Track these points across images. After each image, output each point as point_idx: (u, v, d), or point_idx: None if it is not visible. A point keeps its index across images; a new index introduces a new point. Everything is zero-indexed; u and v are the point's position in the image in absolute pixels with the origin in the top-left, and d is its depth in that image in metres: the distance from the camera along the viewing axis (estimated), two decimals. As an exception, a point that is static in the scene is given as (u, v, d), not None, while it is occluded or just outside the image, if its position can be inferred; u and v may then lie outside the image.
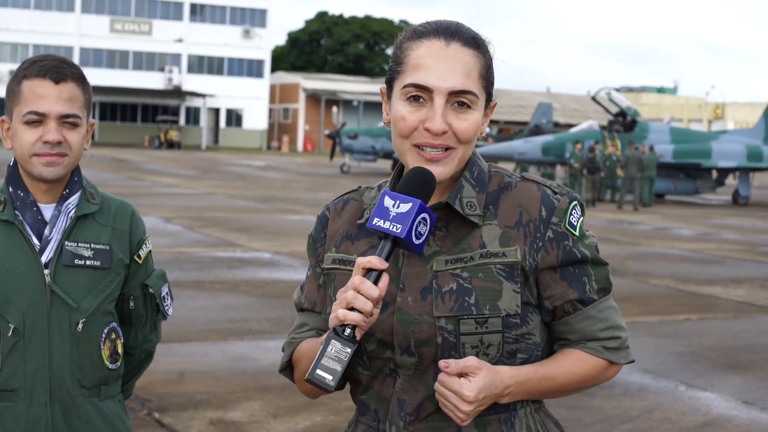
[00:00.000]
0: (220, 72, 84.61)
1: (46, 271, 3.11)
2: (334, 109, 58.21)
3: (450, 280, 2.33)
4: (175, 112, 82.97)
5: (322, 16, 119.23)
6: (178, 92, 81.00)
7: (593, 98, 40.89)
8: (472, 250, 2.36)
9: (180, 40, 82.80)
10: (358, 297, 2.18)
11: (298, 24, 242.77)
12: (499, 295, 2.33)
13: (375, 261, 2.21)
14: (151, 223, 20.60)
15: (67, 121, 3.09)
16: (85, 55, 79.88)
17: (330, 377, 2.16)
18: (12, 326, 3.09)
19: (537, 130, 47.02)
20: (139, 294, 3.35)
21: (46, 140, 3.05)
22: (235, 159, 60.57)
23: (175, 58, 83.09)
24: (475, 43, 2.38)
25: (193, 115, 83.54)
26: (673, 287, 15.04)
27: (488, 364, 2.30)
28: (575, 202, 2.44)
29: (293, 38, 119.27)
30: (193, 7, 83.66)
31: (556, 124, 58.94)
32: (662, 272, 16.58)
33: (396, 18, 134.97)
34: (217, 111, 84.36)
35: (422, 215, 2.21)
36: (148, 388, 8.18)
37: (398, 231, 2.19)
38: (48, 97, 3.06)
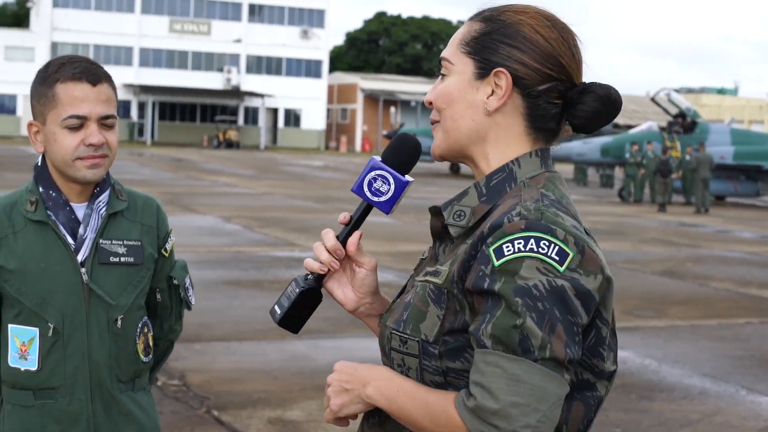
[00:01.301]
0: (278, 72, 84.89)
1: (82, 270, 3.12)
2: (392, 109, 58.36)
3: (412, 291, 2.19)
4: (234, 112, 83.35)
5: (380, 16, 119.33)
6: (236, 92, 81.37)
7: (652, 99, 40.57)
8: (442, 264, 2.16)
9: (238, 41, 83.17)
10: (318, 246, 2.30)
11: (356, 24, 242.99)
12: (423, 317, 2.10)
13: (342, 216, 2.30)
14: (210, 223, 20.72)
15: (105, 122, 3.10)
16: (145, 55, 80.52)
17: (279, 311, 2.31)
18: (51, 326, 3.11)
19: (596, 132, 46.75)
20: (164, 286, 3.39)
21: (90, 143, 3.05)
22: (293, 159, 60.75)
23: (234, 59, 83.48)
24: (477, 14, 2.24)
25: (251, 115, 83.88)
26: (733, 290, 14.88)
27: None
28: (536, 234, 1.98)
29: (351, 38, 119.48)
30: (252, 8, 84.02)
31: (616, 125, 58.50)
32: (722, 275, 16.42)
33: (454, 18, 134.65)
34: (275, 111, 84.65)
35: (377, 172, 2.22)
36: (207, 386, 8.24)
37: (354, 188, 2.25)
38: (87, 99, 3.05)
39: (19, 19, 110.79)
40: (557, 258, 1.96)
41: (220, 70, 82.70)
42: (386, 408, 2.13)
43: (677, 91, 45.19)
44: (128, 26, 79.99)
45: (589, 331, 2.04)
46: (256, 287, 13.15)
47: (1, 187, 27.23)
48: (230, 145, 75.78)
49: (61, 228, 3.12)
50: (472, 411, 1.94)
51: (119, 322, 3.18)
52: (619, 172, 44.56)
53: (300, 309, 2.30)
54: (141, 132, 78.44)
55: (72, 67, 3.07)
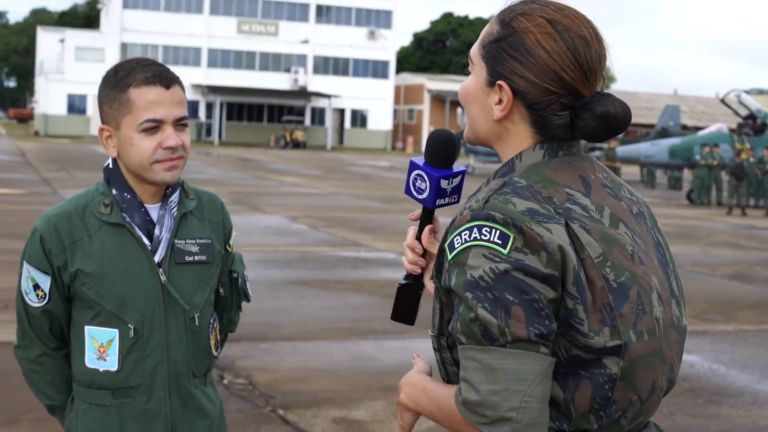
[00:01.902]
0: (345, 73, 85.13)
1: (160, 270, 3.15)
2: (459, 110, 58.25)
3: None
4: (301, 112, 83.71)
5: (447, 17, 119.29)
6: (303, 93, 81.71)
7: (722, 100, 40.15)
8: None
9: (306, 41, 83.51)
10: (404, 247, 2.47)
11: (423, 25, 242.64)
12: (434, 313, 2.24)
13: (411, 214, 2.46)
14: (276, 222, 20.83)
15: (180, 123, 3.12)
16: (213, 55, 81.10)
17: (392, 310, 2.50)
18: (132, 327, 3.14)
19: (664, 133, 46.31)
20: (226, 280, 3.42)
21: (168, 146, 3.07)
22: (360, 159, 60.87)
23: (301, 59, 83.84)
24: (499, 13, 2.26)
25: (318, 116, 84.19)
26: (804, 294, 14.69)
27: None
28: (478, 222, 2.07)
29: (418, 39, 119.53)
30: (319, 9, 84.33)
31: (684, 127, 58.00)
32: (793, 279, 16.21)
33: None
34: (342, 111, 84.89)
35: (416, 172, 2.37)
36: (273, 385, 8.28)
37: (405, 189, 2.41)
38: (162, 103, 3.06)
39: (89, 20, 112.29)
40: (499, 242, 2.04)
41: (288, 70, 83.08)
42: (414, 410, 2.28)
43: (747, 92, 44.66)
44: (197, 27, 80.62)
45: (557, 307, 2.08)
46: (322, 287, 13.19)
47: (72, 186, 27.58)
48: (297, 145, 76.12)
49: (137, 230, 3.15)
50: (463, 405, 2.04)
51: (196, 320, 3.23)
52: (687, 174, 44.11)
53: (404, 303, 2.46)
54: (209, 132, 79.02)
55: (143, 71, 3.07)
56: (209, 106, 78.92)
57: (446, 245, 2.11)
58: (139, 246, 3.14)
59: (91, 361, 3.16)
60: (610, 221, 2.17)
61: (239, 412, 7.49)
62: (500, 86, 2.20)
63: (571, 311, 2.07)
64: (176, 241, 3.19)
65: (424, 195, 2.36)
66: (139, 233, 3.14)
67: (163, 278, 3.15)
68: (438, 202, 2.36)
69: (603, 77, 2.24)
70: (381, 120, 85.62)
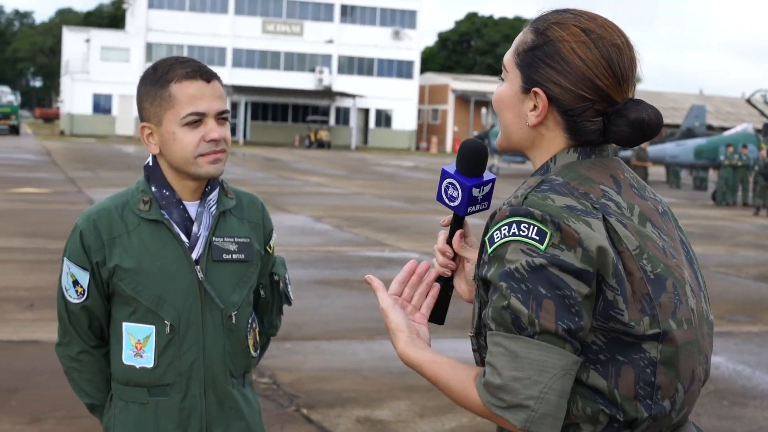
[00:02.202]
0: (369, 73, 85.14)
1: (197, 267, 3.17)
2: (484, 110, 58.18)
3: None
4: (326, 112, 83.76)
5: (471, 17, 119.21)
6: (328, 93, 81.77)
7: (748, 101, 39.98)
8: None
9: (330, 41, 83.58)
10: (436, 250, 2.55)
11: (447, 25, 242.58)
12: (472, 313, 2.32)
13: (443, 220, 2.53)
14: (300, 222, 20.85)
15: (222, 117, 3.15)
16: (238, 55, 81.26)
17: None
18: (168, 323, 3.15)
19: (689, 133, 46.16)
20: (267, 282, 3.44)
21: (211, 138, 3.10)
22: (384, 159, 60.88)
23: (326, 59, 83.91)
24: (534, 22, 2.32)
25: (342, 116, 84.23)
26: (830, 295, 14.61)
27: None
28: (517, 218, 2.13)
29: (443, 39, 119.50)
30: (344, 9, 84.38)
31: (710, 127, 57.83)
32: (819, 280, 16.12)
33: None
34: (366, 111, 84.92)
35: (447, 180, 2.43)
36: (297, 384, 8.30)
37: (437, 197, 2.48)
38: (204, 96, 3.09)
39: (115, 20, 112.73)
40: (537, 238, 2.10)
41: (312, 70, 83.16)
42: (411, 366, 2.37)
43: (773, 92, 44.32)
44: (222, 27, 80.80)
45: (596, 299, 2.13)
46: (346, 287, 13.21)
47: (97, 185, 27.70)
48: (321, 145, 76.17)
49: (175, 226, 3.18)
50: (484, 386, 2.11)
51: (233, 318, 3.23)
52: (713, 175, 43.95)
53: (435, 305, 2.54)
54: (233, 132, 79.18)
55: (183, 67, 3.12)
56: (234, 106, 79.04)
57: (486, 239, 2.18)
58: (177, 242, 3.16)
59: (128, 357, 3.19)
60: (639, 219, 2.23)
61: (263, 411, 7.47)
62: (536, 93, 2.26)
63: (611, 302, 2.12)
64: (214, 238, 3.21)
65: (456, 202, 2.42)
66: (177, 230, 3.17)
67: (200, 275, 3.17)
68: (469, 209, 2.42)
69: (634, 84, 2.29)
70: (405, 120, 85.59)
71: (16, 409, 7.34)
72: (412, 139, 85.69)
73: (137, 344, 3.17)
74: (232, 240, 3.24)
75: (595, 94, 2.22)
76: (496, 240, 2.14)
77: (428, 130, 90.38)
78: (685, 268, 2.27)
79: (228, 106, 3.19)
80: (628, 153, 39.89)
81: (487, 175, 2.42)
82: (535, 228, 2.10)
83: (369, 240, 18.50)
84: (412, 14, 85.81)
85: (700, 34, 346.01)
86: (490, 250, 2.15)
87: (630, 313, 2.12)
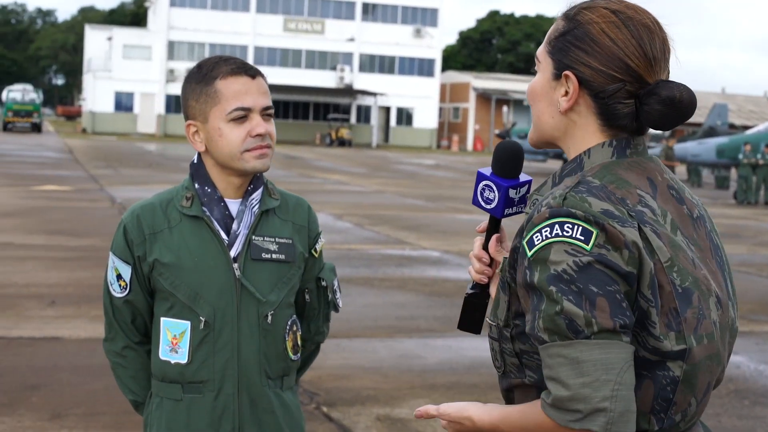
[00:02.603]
0: (391, 71, 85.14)
1: (235, 265, 3.19)
2: (505, 108, 58.16)
3: None
4: (347, 110, 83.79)
5: (493, 15, 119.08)
6: (349, 91, 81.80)
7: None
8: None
9: (352, 39, 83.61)
10: (472, 256, 2.48)
11: (469, 23, 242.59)
12: (498, 303, 2.26)
13: (479, 226, 2.49)
14: (321, 220, 20.78)
15: (266, 113, 3.18)
16: (259, 53, 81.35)
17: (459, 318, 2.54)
18: (203, 319, 3.18)
19: (711, 132, 45.97)
20: (313, 287, 3.43)
21: (257, 133, 3.14)
22: (405, 157, 60.86)
23: (347, 57, 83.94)
24: (565, 11, 2.31)
25: (364, 114, 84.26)
26: None
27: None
28: (559, 219, 2.07)
29: (464, 37, 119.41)
30: (365, 7, 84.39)
31: (732, 126, 57.52)
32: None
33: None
34: (387, 109, 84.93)
35: (484, 183, 2.41)
36: (317, 382, 8.29)
37: (473, 200, 2.46)
38: (250, 92, 3.14)
39: (137, 18, 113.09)
40: (582, 238, 2.05)
41: (334, 68, 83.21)
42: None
43: (797, 91, 44.12)
44: (243, 25, 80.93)
45: (632, 306, 2.08)
46: (366, 285, 13.21)
47: (118, 183, 27.78)
48: (342, 143, 76.20)
49: (215, 223, 3.21)
50: (553, 405, 2.02)
51: (269, 318, 3.24)
52: (735, 174, 43.76)
53: (471, 313, 2.50)
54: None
55: (227, 64, 3.16)
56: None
57: (524, 242, 2.11)
58: (215, 239, 3.20)
59: (164, 353, 3.23)
60: (671, 227, 2.19)
61: (283, 408, 7.50)
62: (566, 76, 2.24)
63: (645, 313, 2.09)
64: (254, 237, 3.23)
65: (493, 205, 2.40)
66: (217, 227, 3.21)
67: (237, 273, 3.19)
68: (506, 211, 2.40)
69: (668, 69, 2.26)
70: (426, 118, 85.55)
71: (37, 406, 7.37)
72: (433, 138, 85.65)
73: (173, 339, 3.21)
74: (273, 240, 3.26)
75: (627, 75, 2.18)
76: (536, 243, 2.08)
77: (449, 128, 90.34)
78: (713, 278, 2.22)
79: (271, 102, 3.22)
80: (656, 151, 39.47)
81: (523, 177, 2.41)
82: (580, 228, 2.06)
83: (390, 238, 18.49)
84: (434, 12, 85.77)
85: (722, 32, 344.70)
86: (530, 254, 2.09)
87: (660, 327, 2.09)
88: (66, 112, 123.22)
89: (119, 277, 3.24)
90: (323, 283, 3.44)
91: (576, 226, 2.06)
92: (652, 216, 2.15)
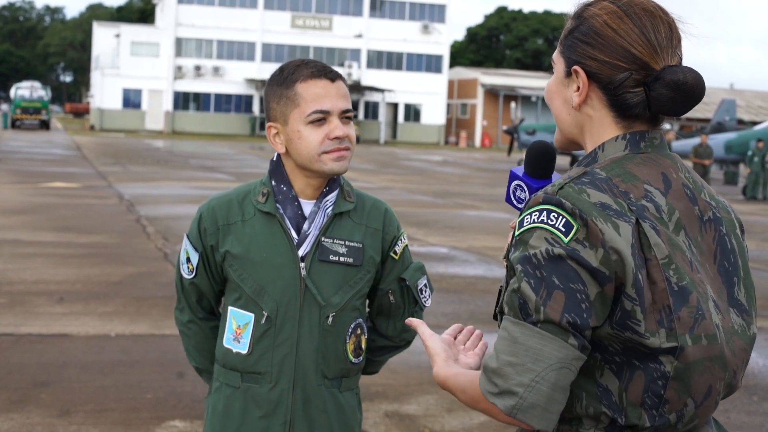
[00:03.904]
0: (399, 67, 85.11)
1: (302, 265, 3.25)
2: (513, 104, 58.07)
3: None
4: (355, 106, 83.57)
5: (501, 11, 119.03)
6: (357, 87, 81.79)
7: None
8: None
9: (359, 36, 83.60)
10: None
11: (476, 19, 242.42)
12: (501, 291, 2.29)
13: (511, 223, 2.44)
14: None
15: (346, 115, 3.24)
16: (267, 50, 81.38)
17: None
18: (266, 314, 3.26)
19: (720, 128, 45.92)
20: (396, 287, 3.45)
21: (336, 136, 3.19)
22: (413, 153, 60.85)
23: (355, 54, 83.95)
24: (574, 10, 2.34)
25: (371, 110, 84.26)
26: None
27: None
28: (548, 206, 2.12)
29: (472, 33, 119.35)
30: (373, 3, 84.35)
31: (740, 122, 57.52)
32: None
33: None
34: (395, 106, 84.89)
35: (516, 182, 2.44)
36: (325, 379, 8.29)
37: (505, 198, 2.49)
38: (329, 95, 3.20)
39: (144, 15, 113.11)
40: (563, 229, 2.09)
41: (341, 64, 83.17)
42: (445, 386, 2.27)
43: (805, 86, 44.05)
44: (251, 22, 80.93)
45: (614, 306, 2.10)
46: (374, 281, 13.16)
47: (127, 180, 27.78)
48: (350, 139, 76.11)
49: (287, 222, 3.27)
50: (483, 371, 2.09)
51: (330, 319, 3.29)
52: (744, 170, 43.69)
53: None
54: (263, 126, 79.33)
55: (308, 68, 3.22)
56: (262, 101, 79.26)
57: (518, 221, 2.18)
58: (286, 237, 3.26)
59: (228, 341, 3.33)
60: (675, 226, 2.19)
61: (291, 405, 7.50)
62: (575, 71, 2.27)
63: (628, 312, 2.10)
64: (323, 238, 3.28)
65: (524, 204, 2.38)
66: (288, 225, 3.27)
67: (303, 272, 3.25)
68: None
69: (679, 55, 2.27)
70: (434, 114, 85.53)
71: (46, 403, 7.38)
72: (440, 134, 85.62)
73: (237, 329, 3.31)
74: (343, 243, 3.30)
75: (632, 63, 2.20)
76: (524, 224, 2.14)
77: (457, 124, 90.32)
78: (710, 283, 2.21)
79: (351, 106, 3.28)
80: (687, 150, 38.65)
81: (555, 177, 2.42)
82: (564, 219, 2.09)
83: (398, 234, 18.43)
84: (441, 8, 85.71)
85: (731, 28, 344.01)
86: (517, 233, 2.15)
87: (647, 324, 2.09)
88: (74, 109, 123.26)
89: (188, 260, 3.38)
90: (406, 283, 3.45)
91: (561, 217, 2.10)
92: (655, 212, 2.16)
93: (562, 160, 52.85)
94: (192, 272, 3.36)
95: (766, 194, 35.11)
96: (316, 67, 3.22)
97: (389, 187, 30.93)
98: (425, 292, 3.52)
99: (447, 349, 2.33)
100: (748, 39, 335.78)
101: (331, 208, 3.30)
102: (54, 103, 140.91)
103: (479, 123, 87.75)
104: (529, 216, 2.14)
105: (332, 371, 3.33)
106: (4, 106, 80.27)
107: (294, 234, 3.26)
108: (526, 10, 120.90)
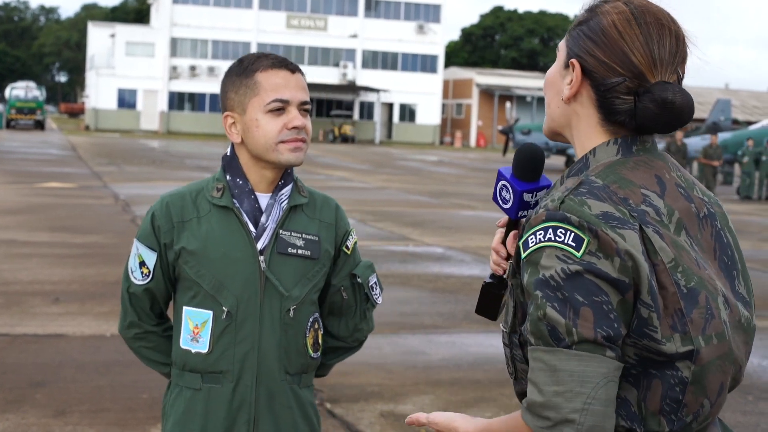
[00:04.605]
0: (394, 67, 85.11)
1: (261, 258, 3.23)
2: (508, 104, 58.05)
3: None
4: (350, 106, 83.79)
5: (496, 11, 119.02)
6: (352, 87, 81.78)
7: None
8: None
9: (355, 36, 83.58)
10: (491, 249, 2.52)
11: (471, 19, 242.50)
12: (508, 309, 2.28)
13: (499, 221, 2.51)
14: (324, 217, 20.83)
15: (304, 107, 3.24)
16: (262, 50, 79.96)
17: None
18: (225, 310, 3.22)
19: (715, 127, 45.93)
20: (348, 284, 3.44)
21: (294, 126, 3.19)
22: (408, 154, 60.84)
23: (350, 54, 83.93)
24: (590, 2, 2.32)
25: (367, 110, 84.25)
26: None
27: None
28: (553, 223, 2.08)
29: (467, 33, 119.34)
30: (368, 3, 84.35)
31: (735, 122, 57.48)
32: None
33: (571, 13, 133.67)
34: (390, 106, 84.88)
35: (501, 182, 2.43)
36: (321, 378, 8.26)
37: (493, 197, 2.48)
38: (289, 85, 3.20)
39: (139, 15, 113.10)
40: (573, 244, 2.04)
41: (336, 65, 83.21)
42: None
43: (800, 86, 44.10)
44: (246, 22, 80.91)
45: (632, 315, 2.08)
46: (370, 281, 13.16)
47: (122, 180, 27.77)
48: (345, 139, 76.21)
49: (244, 215, 3.25)
50: (528, 409, 2.04)
51: (291, 313, 3.27)
52: (738, 169, 43.71)
53: (487, 300, 2.58)
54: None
55: (268, 59, 3.23)
56: (258, 101, 79.22)
57: (521, 243, 2.13)
58: (243, 231, 3.23)
59: (185, 341, 3.27)
60: (676, 227, 2.17)
61: (287, 405, 7.50)
62: (572, 64, 2.25)
63: (645, 320, 2.08)
64: (281, 231, 3.26)
65: (508, 205, 2.43)
66: (246, 219, 3.24)
67: (263, 265, 3.22)
68: (520, 213, 2.41)
69: (679, 73, 2.24)
70: (429, 114, 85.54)
71: (41, 403, 7.38)
72: (436, 134, 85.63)
73: (194, 329, 3.25)
74: (300, 235, 3.29)
75: (628, 70, 2.18)
76: (530, 245, 2.09)
77: (452, 124, 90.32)
78: (717, 277, 2.20)
79: (309, 98, 3.28)
80: (697, 148, 38.16)
81: (543, 181, 2.41)
82: (572, 234, 2.05)
83: (393, 234, 18.49)
84: (437, 8, 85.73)
85: (726, 27, 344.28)
86: (524, 255, 2.11)
87: (662, 330, 2.07)
88: (69, 109, 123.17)
89: (142, 264, 3.28)
90: (358, 280, 3.45)
91: (569, 232, 2.05)
92: (655, 216, 2.14)
93: (558, 160, 52.87)
94: (147, 276, 3.28)
95: (762, 194, 35.13)
96: (276, 58, 3.23)
97: (385, 187, 30.93)
98: (376, 289, 3.52)
99: (454, 414, 2.32)
100: (744, 39, 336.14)
101: (286, 201, 3.28)
102: (49, 103, 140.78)
103: (474, 123, 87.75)
104: (533, 236, 2.10)
105: (293, 366, 3.30)
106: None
107: (252, 227, 3.24)
108: (521, 10, 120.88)
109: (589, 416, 1.99)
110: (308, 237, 3.30)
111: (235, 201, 3.24)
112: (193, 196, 3.28)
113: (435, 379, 8.47)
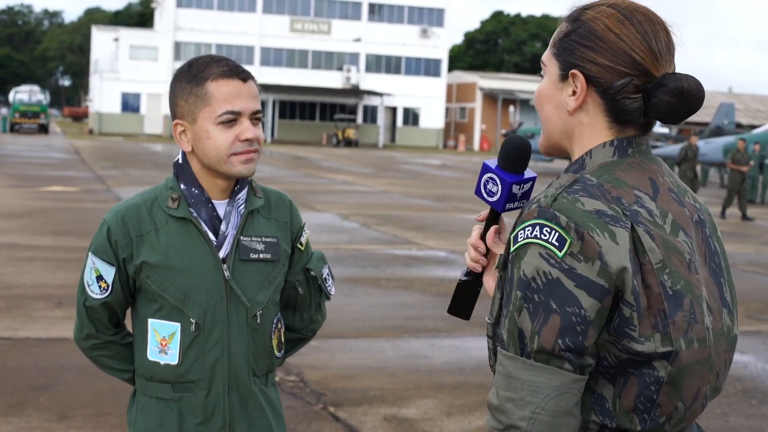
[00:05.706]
0: (397, 71, 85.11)
1: (224, 266, 3.17)
2: (511, 108, 58.17)
3: None
4: (353, 110, 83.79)
5: (498, 15, 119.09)
6: (356, 91, 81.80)
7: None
8: None
9: (358, 40, 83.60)
10: (468, 245, 2.52)
11: (475, 24, 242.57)
12: (493, 301, 2.27)
13: (478, 215, 2.51)
14: (328, 220, 20.87)
15: (256, 117, 3.15)
16: (266, 54, 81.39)
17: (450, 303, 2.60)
18: (193, 321, 3.16)
19: (718, 131, 45.90)
20: (302, 278, 3.42)
21: (246, 138, 3.10)
22: (412, 157, 60.84)
23: (354, 58, 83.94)
24: (568, 14, 2.31)
25: (370, 114, 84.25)
26: None
27: None
28: (542, 221, 2.10)
29: (470, 38, 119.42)
30: (372, 7, 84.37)
31: (739, 125, 57.46)
32: None
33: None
34: (394, 110, 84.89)
35: (488, 175, 2.40)
36: (324, 382, 8.30)
37: (475, 191, 2.46)
38: (240, 96, 3.10)
39: (143, 19, 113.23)
40: (557, 244, 2.07)
41: (340, 69, 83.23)
42: None
43: (803, 90, 44.05)
44: (250, 26, 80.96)
45: (612, 314, 2.10)
46: (373, 285, 13.21)
47: (125, 184, 27.79)
48: (349, 143, 76.22)
49: (203, 225, 3.18)
50: (488, 407, 2.13)
51: (258, 318, 3.24)
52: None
53: (462, 299, 2.57)
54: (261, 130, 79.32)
55: (219, 66, 3.12)
56: (262, 105, 78.74)
57: (512, 236, 2.15)
58: (204, 241, 3.16)
59: (153, 354, 3.21)
60: (671, 228, 2.18)
61: (290, 409, 7.51)
62: (573, 75, 2.24)
63: (627, 319, 2.10)
64: (242, 237, 3.21)
65: (495, 198, 2.41)
66: (205, 228, 3.18)
67: (227, 274, 3.17)
68: (507, 206, 2.40)
69: (674, 64, 2.26)
70: (433, 118, 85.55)
71: (44, 406, 7.38)
72: (439, 138, 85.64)
73: (162, 341, 3.19)
74: (260, 239, 3.24)
75: (634, 69, 2.19)
76: (519, 240, 2.12)
77: (456, 128, 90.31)
78: (705, 283, 2.22)
79: (260, 106, 3.20)
80: (718, 157, 37.56)
81: (528, 173, 2.40)
82: (557, 234, 2.08)
83: (396, 238, 18.49)
84: (440, 12, 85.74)
85: (731, 31, 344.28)
86: (512, 249, 2.13)
87: (642, 329, 2.09)
88: (73, 113, 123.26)
89: (100, 278, 3.19)
90: (312, 273, 3.43)
91: (554, 231, 2.08)
92: (648, 216, 2.15)
93: (561, 164, 52.86)
94: (106, 290, 3.19)
95: (765, 198, 35.09)
96: (228, 65, 3.12)
97: (388, 190, 30.93)
98: (329, 281, 3.50)
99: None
100: (746, 42, 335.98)
101: (243, 206, 3.23)
102: (53, 107, 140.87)
103: (478, 127, 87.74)
104: (522, 231, 2.12)
105: (260, 368, 3.28)
106: (3, 110, 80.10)
107: (212, 237, 3.17)
108: (524, 14, 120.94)
109: (536, 425, 2.05)
110: (267, 240, 3.26)
111: (192, 210, 3.17)
112: (147, 206, 3.19)
113: (438, 382, 8.47)
